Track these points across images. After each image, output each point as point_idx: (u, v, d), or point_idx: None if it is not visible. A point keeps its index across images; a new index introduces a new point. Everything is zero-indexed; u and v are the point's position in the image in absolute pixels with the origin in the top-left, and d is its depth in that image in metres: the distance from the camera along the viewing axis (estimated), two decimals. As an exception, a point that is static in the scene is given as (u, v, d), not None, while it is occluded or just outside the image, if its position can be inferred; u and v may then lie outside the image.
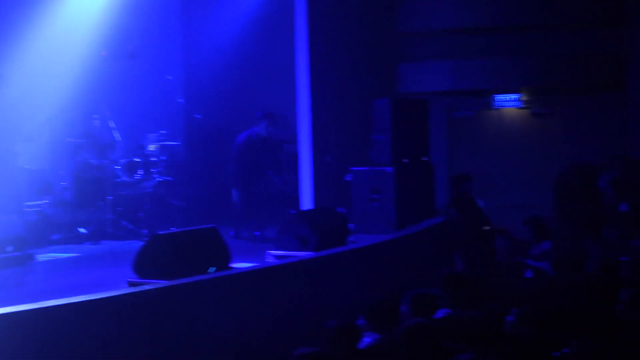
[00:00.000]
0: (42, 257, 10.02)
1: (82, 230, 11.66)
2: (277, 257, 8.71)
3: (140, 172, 12.09)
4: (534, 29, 14.06)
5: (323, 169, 11.57)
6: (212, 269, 7.56)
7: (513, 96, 14.36)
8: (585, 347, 4.86)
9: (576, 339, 5.06)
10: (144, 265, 7.45)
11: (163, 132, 12.89)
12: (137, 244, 9.85)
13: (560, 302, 6.31)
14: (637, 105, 14.05)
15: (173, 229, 11.25)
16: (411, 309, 6.38)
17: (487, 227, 12.36)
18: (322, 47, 12.01)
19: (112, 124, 12.04)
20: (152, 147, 12.60)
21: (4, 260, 9.21)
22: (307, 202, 11.34)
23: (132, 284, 7.31)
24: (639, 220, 11.77)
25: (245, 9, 14.65)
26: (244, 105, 14.57)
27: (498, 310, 5.77)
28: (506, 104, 14.42)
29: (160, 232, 9.29)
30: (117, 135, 11.85)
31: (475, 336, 5.47)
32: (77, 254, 10.47)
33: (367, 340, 5.95)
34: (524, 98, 14.40)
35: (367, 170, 10.59)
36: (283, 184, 11.62)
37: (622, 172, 12.79)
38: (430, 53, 14.29)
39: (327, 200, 11.05)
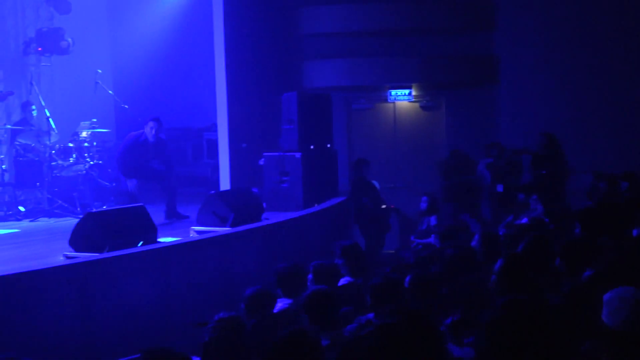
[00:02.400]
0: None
1: (21, 208, 11.41)
2: (198, 232, 8.67)
3: (74, 156, 11.88)
4: (421, 33, 14.27)
5: (239, 154, 11.54)
6: (140, 243, 7.48)
7: (405, 91, 14.54)
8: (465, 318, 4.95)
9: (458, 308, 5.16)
10: (79, 240, 7.34)
11: (94, 120, 12.68)
12: (72, 221, 9.72)
13: (442, 271, 6.42)
14: (508, 99, 14.38)
15: (104, 207, 11.12)
16: (315, 278, 6.44)
17: (383, 206, 12.52)
18: (237, 46, 11.96)
19: (47, 113, 11.78)
20: (84, 134, 12.39)
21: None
22: (225, 183, 11.31)
23: (68, 257, 7.19)
24: (511, 199, 12.05)
25: (168, 8, 14.51)
26: (168, 96, 14.45)
27: (393, 277, 5.86)
28: (399, 98, 14.59)
29: (93, 210, 9.19)
30: (52, 122, 11.60)
31: (374, 299, 5.54)
32: (17, 230, 10.24)
33: (279, 305, 6.00)
34: (415, 93, 14.60)
35: (278, 156, 10.60)
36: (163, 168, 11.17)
37: (496, 158, 13.08)
38: (331, 52, 14.36)
39: (243, 182, 11.04)
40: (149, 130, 10.51)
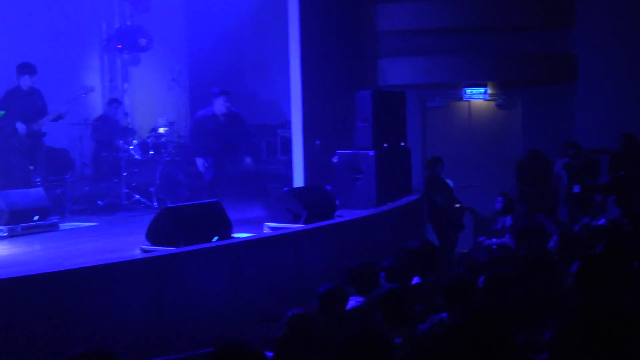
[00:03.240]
0: (65, 225, 10.01)
1: (100, 202, 11.67)
2: (271, 228, 8.73)
3: (151, 152, 12.09)
4: (497, 30, 14.08)
5: (313, 151, 11.57)
6: (215, 238, 7.57)
7: (480, 89, 14.38)
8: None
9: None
10: (155, 234, 7.47)
11: (171, 116, 12.89)
12: (148, 216, 9.90)
13: (516, 272, 6.34)
14: (586, 98, 14.11)
15: (180, 203, 11.29)
16: (387, 277, 6.43)
17: (456, 205, 12.42)
18: (312, 42, 11.99)
19: (126, 109, 12.03)
20: (162, 130, 12.61)
21: (31, 228, 9.20)
22: (298, 180, 11.35)
23: (144, 251, 7.33)
24: (588, 200, 11.82)
25: (243, 5, 14.62)
26: (242, 92, 14.57)
27: (466, 277, 5.81)
28: (474, 96, 14.43)
29: (169, 205, 9.34)
30: (129, 119, 11.84)
31: (447, 299, 5.50)
32: (95, 224, 10.46)
33: (352, 303, 6.00)
34: (490, 91, 14.43)
35: (352, 153, 10.60)
36: (256, 165, 11.31)
37: (573, 157, 12.85)
38: (406, 50, 14.27)
39: (316, 179, 11.07)
40: (217, 101, 10.50)
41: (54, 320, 5.71)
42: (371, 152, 10.43)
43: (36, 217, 9.32)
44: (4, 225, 8.91)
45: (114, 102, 12.64)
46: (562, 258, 6.57)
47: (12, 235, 8.91)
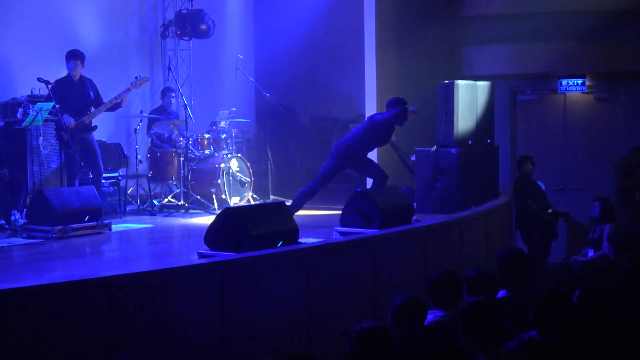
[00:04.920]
0: (118, 227, 10.18)
1: (155, 202, 11.84)
2: (342, 233, 8.74)
3: (212, 147, 12.23)
4: (598, 14, 13.85)
5: (389, 148, 11.55)
6: (280, 243, 7.61)
7: (578, 80, 14.17)
8: None
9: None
10: (215, 238, 7.53)
11: (234, 109, 13.01)
12: (208, 217, 10.01)
13: (617, 286, 6.25)
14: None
15: (243, 204, 11.40)
16: (469, 289, 6.37)
17: (549, 210, 12.27)
18: (389, 30, 11.98)
19: (185, 101, 12.17)
20: (223, 124, 12.73)
21: (82, 229, 9.39)
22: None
23: (202, 256, 7.40)
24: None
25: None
26: (313, 85, 14.65)
27: (560, 291, 5.73)
28: (570, 88, 14.23)
29: (230, 206, 9.42)
30: (189, 111, 11.97)
31: (538, 315, 5.44)
32: (151, 225, 10.62)
33: (430, 317, 5.96)
34: (589, 82, 14.21)
35: (432, 151, 10.55)
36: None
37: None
38: (495, 36, 14.14)
39: (392, 179, 11.05)
40: (393, 111, 10.16)
41: (105, 331, 5.81)
42: (454, 150, 10.36)
43: (87, 218, 9.50)
44: (53, 225, 9.10)
45: (168, 92, 12.78)
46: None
47: (62, 237, 9.10)
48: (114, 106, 10.69)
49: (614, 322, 5.39)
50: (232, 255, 7.08)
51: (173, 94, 12.80)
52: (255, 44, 15.32)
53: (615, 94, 14.36)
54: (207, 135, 12.34)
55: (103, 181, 10.95)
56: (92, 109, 10.56)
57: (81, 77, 10.62)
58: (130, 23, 13.63)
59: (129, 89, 10.81)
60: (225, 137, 12.47)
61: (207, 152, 12.14)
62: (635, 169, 12.94)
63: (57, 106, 9.94)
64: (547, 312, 5.37)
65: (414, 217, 9.48)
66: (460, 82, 10.76)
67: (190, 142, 12.01)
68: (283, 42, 14.77)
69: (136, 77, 11.04)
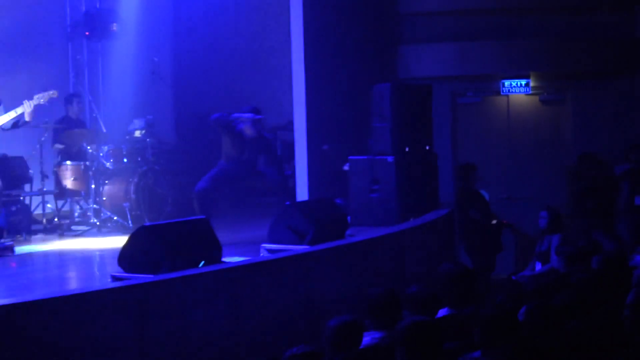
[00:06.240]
0: (22, 249, 10.03)
1: (63, 221, 11.67)
2: (270, 250, 8.72)
3: (126, 160, 12.09)
4: (544, 12, 14.07)
5: (319, 157, 11.57)
6: (202, 263, 7.56)
7: (522, 81, 14.36)
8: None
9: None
10: (129, 259, 7.45)
11: (150, 117, 12.89)
12: (121, 237, 9.91)
13: (566, 299, 6.33)
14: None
15: (160, 221, 11.29)
16: (411, 308, 6.40)
17: (494, 221, 12.40)
18: (319, 27, 11.99)
19: (95, 109, 12.04)
20: (138, 134, 12.61)
21: None
22: (302, 192, 11.34)
23: (116, 279, 7.31)
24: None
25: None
26: (236, 89, 14.59)
27: (506, 307, 5.78)
28: (514, 89, 14.41)
29: (147, 224, 9.33)
30: (99, 120, 11.85)
31: (483, 335, 5.47)
32: (59, 247, 10.48)
33: (367, 339, 5.97)
34: (533, 83, 14.40)
35: (367, 160, 10.59)
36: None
37: (636, 163, 12.82)
38: (433, 35, 14.27)
39: (324, 191, 11.06)
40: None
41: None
42: (390, 158, 10.41)
43: None
44: (-50, 249, 8.94)
45: (75, 99, 12.60)
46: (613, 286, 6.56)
47: (-42, 261, 8.93)
48: (14, 124, 10.48)
49: (565, 340, 5.45)
50: (149, 277, 7.00)
51: (77, 100, 12.62)
52: (173, 46, 15.21)
53: (563, 96, 14.57)
54: (121, 146, 12.21)
55: (4, 199, 10.74)
56: None
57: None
58: (33, 23, 13.42)
59: (32, 100, 10.57)
60: (140, 148, 12.34)
61: (121, 164, 11.99)
62: (586, 175, 13.16)
63: None
64: (491, 332, 5.40)
65: (348, 231, 9.50)
66: (397, 84, 10.81)
67: (101, 154, 11.87)
68: (204, 44, 14.70)
69: (41, 93, 10.77)
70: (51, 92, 10.74)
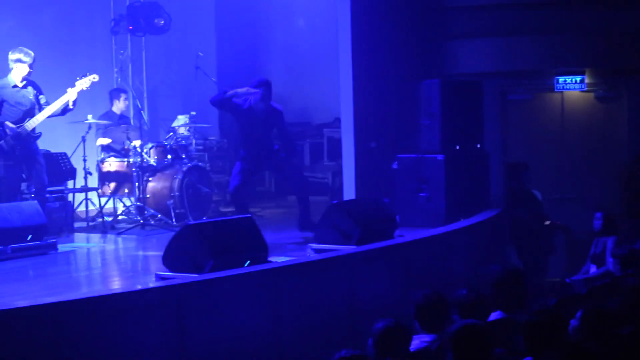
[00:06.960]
0: (65, 247, 10.10)
1: (106, 218, 11.76)
2: (317, 251, 8.73)
3: (170, 156, 12.14)
4: (600, 4, 13.93)
5: (367, 156, 11.56)
6: (247, 263, 7.59)
7: (576, 78, 14.23)
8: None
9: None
10: (173, 258, 7.50)
11: (193, 113, 12.94)
12: (165, 235, 9.96)
13: (621, 304, 6.28)
14: None
15: (204, 218, 11.33)
16: (460, 311, 6.38)
17: (546, 222, 12.31)
18: (366, 25, 11.98)
19: (139, 104, 12.11)
20: (182, 130, 12.67)
21: (23, 249, 9.31)
22: (349, 191, 11.34)
23: (160, 278, 7.36)
24: None
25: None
26: (282, 85, 14.62)
27: (558, 313, 5.74)
28: (568, 86, 14.28)
29: (191, 222, 9.38)
30: (144, 116, 11.91)
31: (534, 341, 5.44)
32: (101, 244, 10.56)
33: (416, 342, 5.96)
34: (588, 80, 14.27)
35: (415, 158, 10.58)
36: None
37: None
38: (481, 30, 14.17)
39: (371, 190, 11.04)
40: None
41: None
42: (440, 157, 10.39)
43: (30, 237, 9.42)
44: (-9, 246, 9.04)
45: (122, 94, 12.69)
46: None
47: (1, 259, 9.01)
48: (63, 110, 10.55)
49: (620, 345, 5.39)
50: (193, 277, 7.04)
51: (120, 95, 12.71)
52: (218, 41, 15.28)
53: (618, 92, 14.43)
54: (165, 143, 12.27)
55: (47, 195, 10.84)
56: (33, 116, 10.40)
57: (24, 78, 10.46)
58: (77, 17, 13.54)
59: (75, 87, 10.66)
60: (184, 145, 12.40)
61: (165, 161, 12.05)
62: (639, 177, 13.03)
63: None
64: (543, 337, 5.37)
65: (397, 232, 9.48)
66: (446, 81, 10.77)
67: (145, 151, 11.94)
68: (249, 39, 14.76)
69: (83, 75, 10.87)
70: (92, 76, 10.79)
